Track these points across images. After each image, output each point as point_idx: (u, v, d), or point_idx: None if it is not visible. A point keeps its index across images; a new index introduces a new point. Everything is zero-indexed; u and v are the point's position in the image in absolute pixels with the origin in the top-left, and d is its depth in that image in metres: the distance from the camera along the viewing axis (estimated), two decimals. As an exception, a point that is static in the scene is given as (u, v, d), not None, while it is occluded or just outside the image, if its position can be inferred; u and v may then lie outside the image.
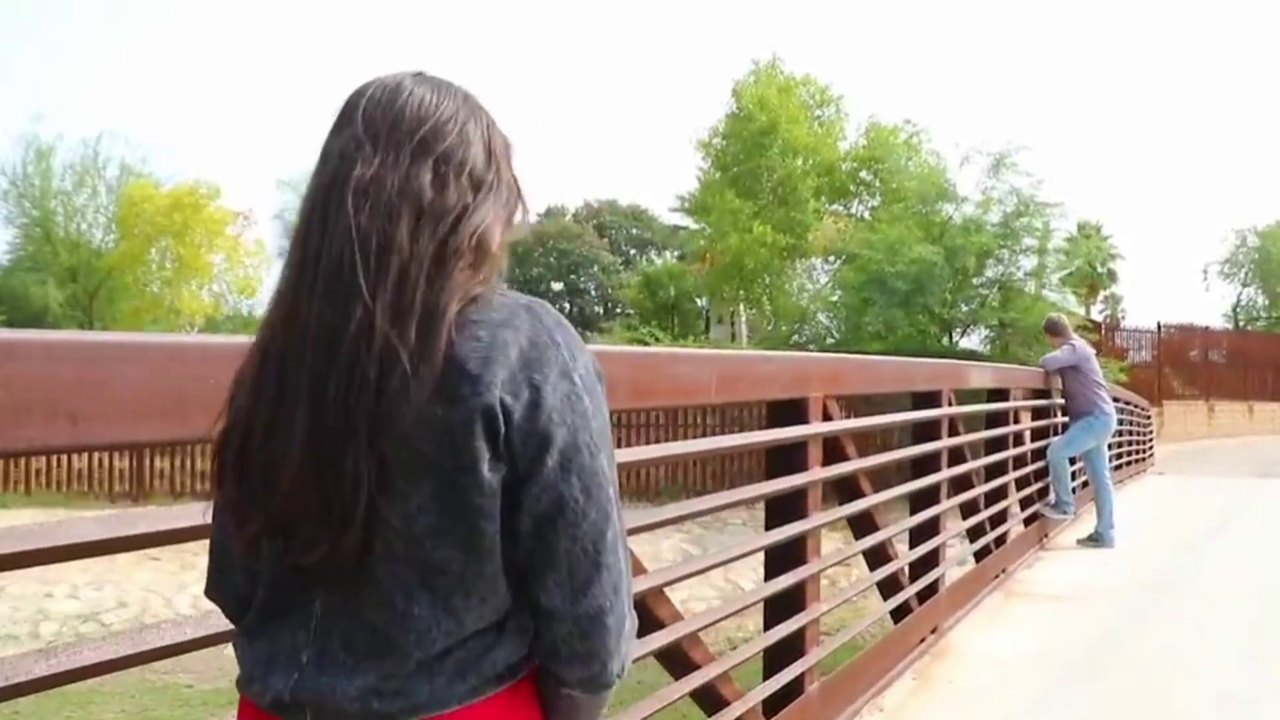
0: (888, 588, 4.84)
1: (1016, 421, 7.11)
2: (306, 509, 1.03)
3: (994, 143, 18.86)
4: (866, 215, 23.15)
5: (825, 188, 24.26)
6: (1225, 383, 32.34)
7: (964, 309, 17.90)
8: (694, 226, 28.21)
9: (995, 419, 6.79)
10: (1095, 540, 7.97)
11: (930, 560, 5.29)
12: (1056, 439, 8.09)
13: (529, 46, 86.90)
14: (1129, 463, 15.00)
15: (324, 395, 1.01)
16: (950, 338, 17.65)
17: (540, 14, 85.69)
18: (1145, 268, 70.75)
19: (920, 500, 5.28)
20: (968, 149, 18.85)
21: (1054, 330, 8.30)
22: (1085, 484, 8.70)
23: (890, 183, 20.18)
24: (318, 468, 1.02)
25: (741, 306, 26.76)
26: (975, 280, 17.94)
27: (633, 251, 48.97)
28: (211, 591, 1.18)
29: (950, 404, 5.53)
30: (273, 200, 40.36)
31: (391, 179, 1.05)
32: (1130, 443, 15.33)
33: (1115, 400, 13.45)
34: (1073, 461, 8.28)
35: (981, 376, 6.92)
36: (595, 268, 51.96)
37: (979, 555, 6.25)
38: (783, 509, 3.75)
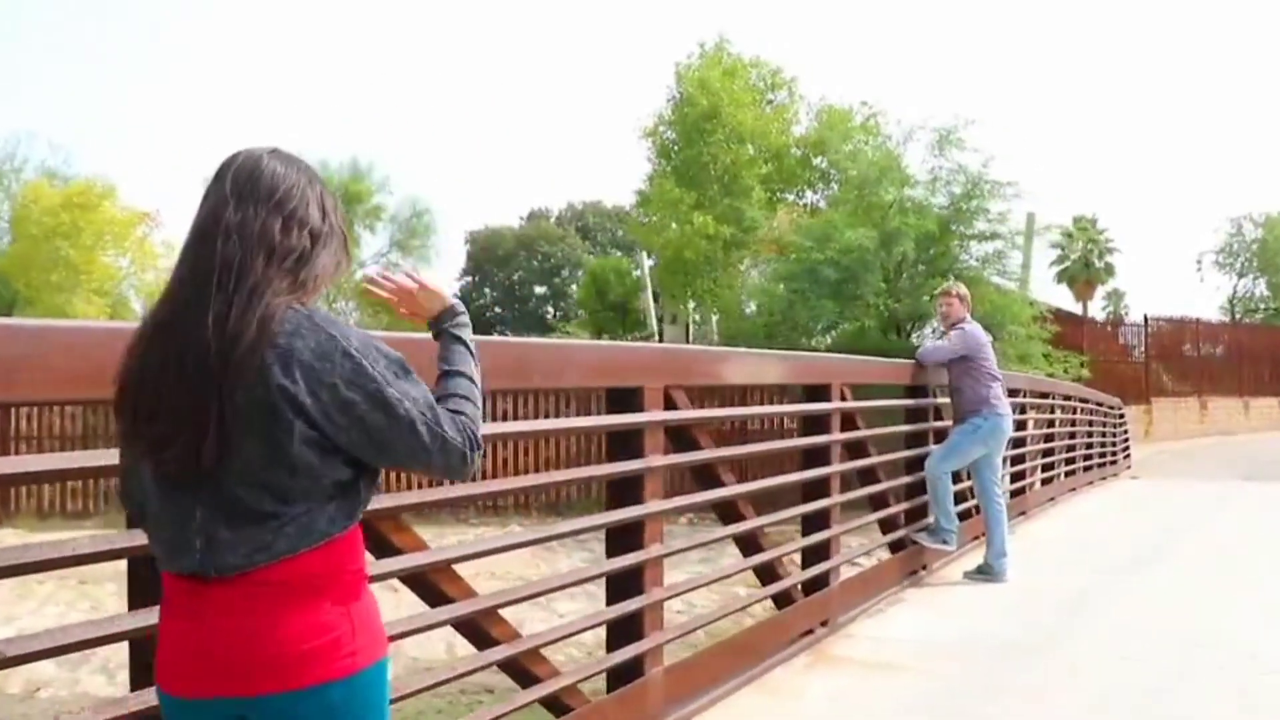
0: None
1: (850, 427, 6.26)
2: (174, 439, 1.74)
3: (939, 118, 18.97)
4: (823, 205, 23.66)
5: (774, 176, 24.78)
6: (1219, 378, 33.12)
7: (906, 301, 18.09)
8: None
9: (811, 424, 5.97)
10: (984, 572, 7.41)
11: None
12: (936, 448, 7.46)
13: (515, 49, 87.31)
14: (1093, 466, 15.60)
15: (186, 363, 1.72)
16: (898, 333, 17.95)
17: (525, 15, 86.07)
18: (1141, 260, 72.24)
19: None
20: (910, 125, 19.23)
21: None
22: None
23: (843, 169, 20.60)
24: (181, 412, 1.73)
25: (690, 304, 27.18)
26: (919, 269, 18.20)
27: (617, 253, 49.97)
28: (123, 499, 1.93)
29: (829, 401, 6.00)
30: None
31: (251, 226, 1.77)
32: (1096, 445, 15.92)
33: (1068, 398, 14.05)
34: (959, 477, 7.72)
35: (770, 370, 6.00)
36: (579, 270, 52.89)
37: (779, 602, 5.48)
38: (621, 493, 4.24)
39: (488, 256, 61.83)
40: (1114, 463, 17.63)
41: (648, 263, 30.43)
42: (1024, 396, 10.99)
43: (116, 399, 1.81)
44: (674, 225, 24.52)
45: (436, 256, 34.48)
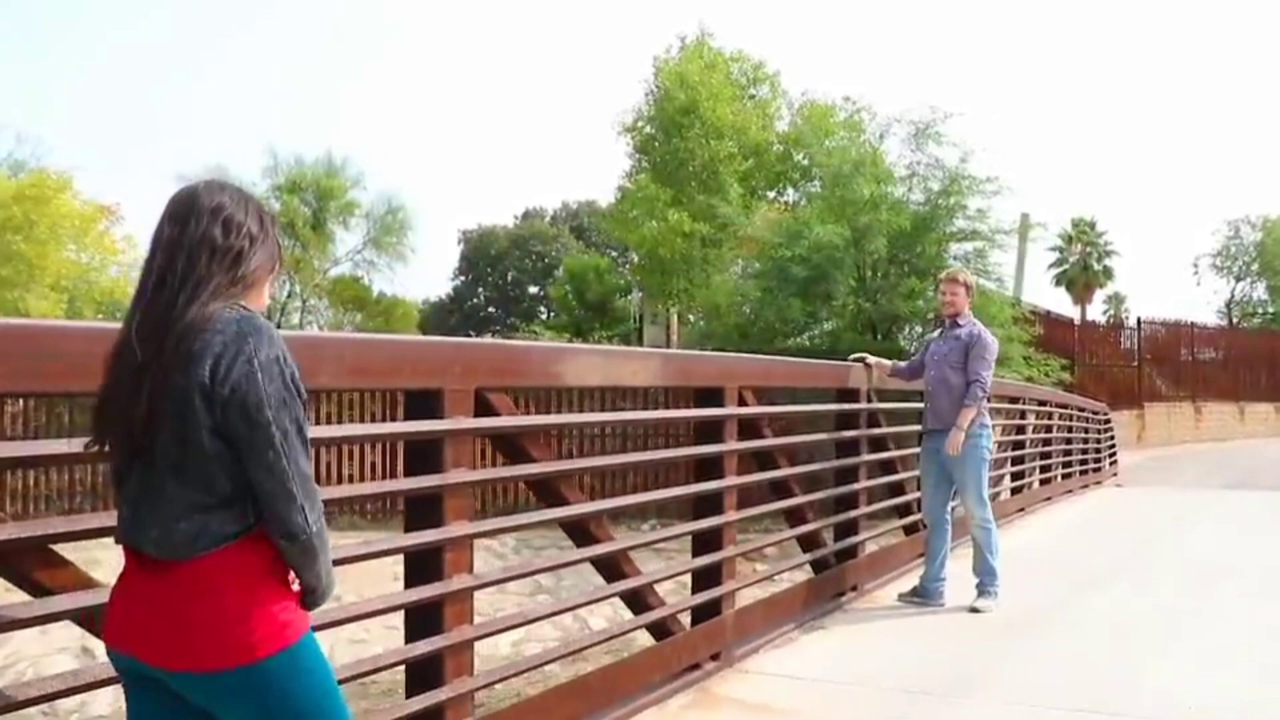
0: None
1: (752, 435, 5.56)
2: (116, 420, 1.98)
3: (916, 111, 18.16)
4: (805, 203, 22.90)
5: (754, 173, 24.03)
6: (1214, 383, 32.43)
7: (882, 301, 17.27)
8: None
9: (705, 432, 5.26)
10: (919, 595, 6.74)
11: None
12: (968, 490, 6.63)
13: (510, 47, 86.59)
14: (1073, 474, 14.92)
15: (132, 355, 1.94)
16: (875, 335, 17.14)
17: (521, 12, 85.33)
18: (1140, 264, 71.40)
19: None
20: (887, 119, 18.48)
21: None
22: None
23: (819, 165, 19.83)
24: (124, 399, 1.95)
25: (669, 304, 26.42)
26: (894, 268, 17.42)
27: (612, 253, 49.42)
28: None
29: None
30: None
31: (193, 234, 2.00)
32: (1077, 452, 15.24)
33: (1043, 403, 13.33)
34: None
35: (632, 370, 4.82)
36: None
37: (656, 633, 4.76)
38: (420, 513, 3.54)
39: (481, 255, 61.26)
40: (1098, 469, 16.99)
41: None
42: (989, 401, 10.25)
43: (100, 395, 2.04)
44: (651, 222, 23.78)
45: (412, 254, 33.90)
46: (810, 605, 6.24)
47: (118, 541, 2.09)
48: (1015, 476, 12.06)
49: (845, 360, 7.12)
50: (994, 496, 11.08)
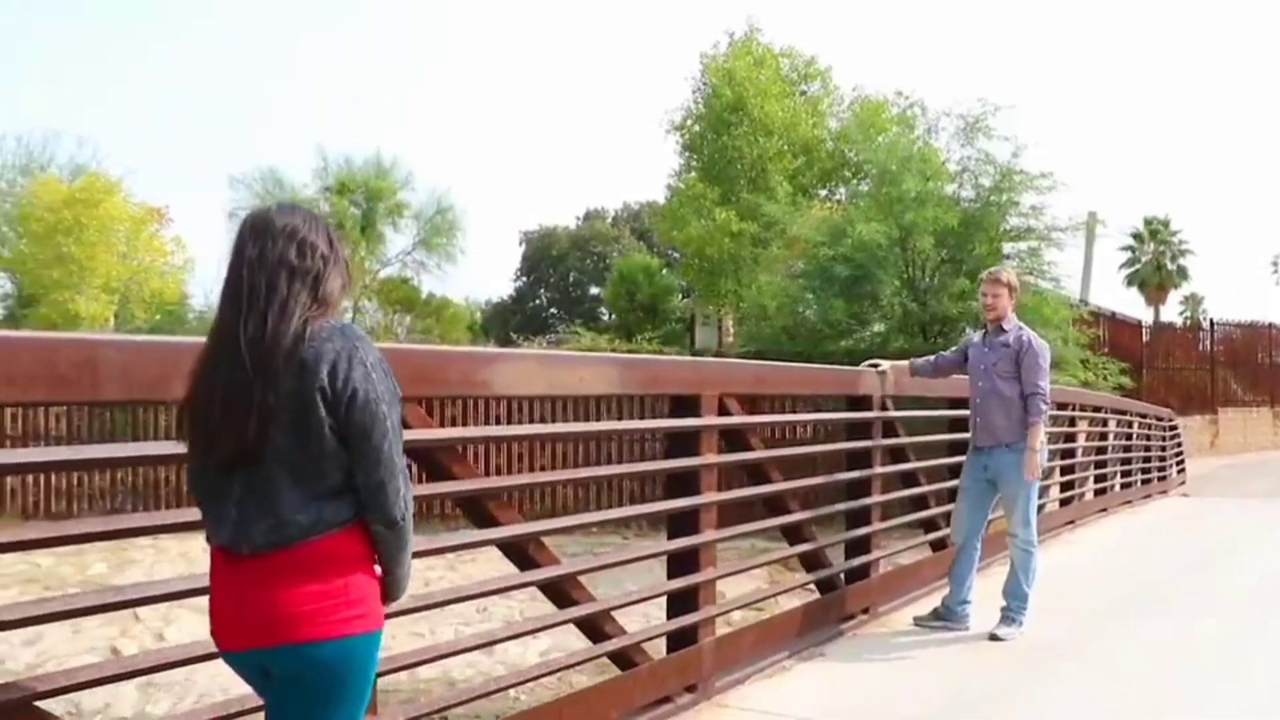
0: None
1: (739, 446, 5.14)
2: (223, 429, 2.16)
3: (965, 104, 17.30)
4: (851, 201, 22.19)
5: (804, 171, 23.38)
6: (1296, 387, 31.07)
7: (931, 303, 16.50)
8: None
9: (678, 442, 4.81)
10: (941, 618, 6.20)
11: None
12: (1015, 513, 6.06)
13: (572, 48, 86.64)
14: (1132, 484, 14.11)
15: (233, 369, 2.15)
16: (925, 338, 16.38)
17: (582, 12, 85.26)
18: (1217, 264, 68.93)
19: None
20: (936, 113, 17.72)
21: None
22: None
23: (867, 162, 19.13)
24: (232, 409, 2.15)
25: (720, 305, 25.83)
26: (943, 268, 16.65)
27: (674, 254, 48.94)
28: (189, 488, 2.30)
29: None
30: (224, 198, 40.68)
31: (270, 255, 2.19)
32: (1137, 460, 14.43)
33: (1098, 409, 12.59)
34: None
35: (540, 378, 3.98)
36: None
37: (619, 662, 4.34)
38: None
39: (542, 256, 61.15)
40: (1162, 478, 16.13)
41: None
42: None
43: (183, 407, 2.24)
44: (697, 221, 23.24)
45: (461, 255, 33.70)
46: (810, 630, 5.72)
47: (210, 541, 2.27)
48: (1065, 487, 11.38)
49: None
50: (1041, 509, 10.51)
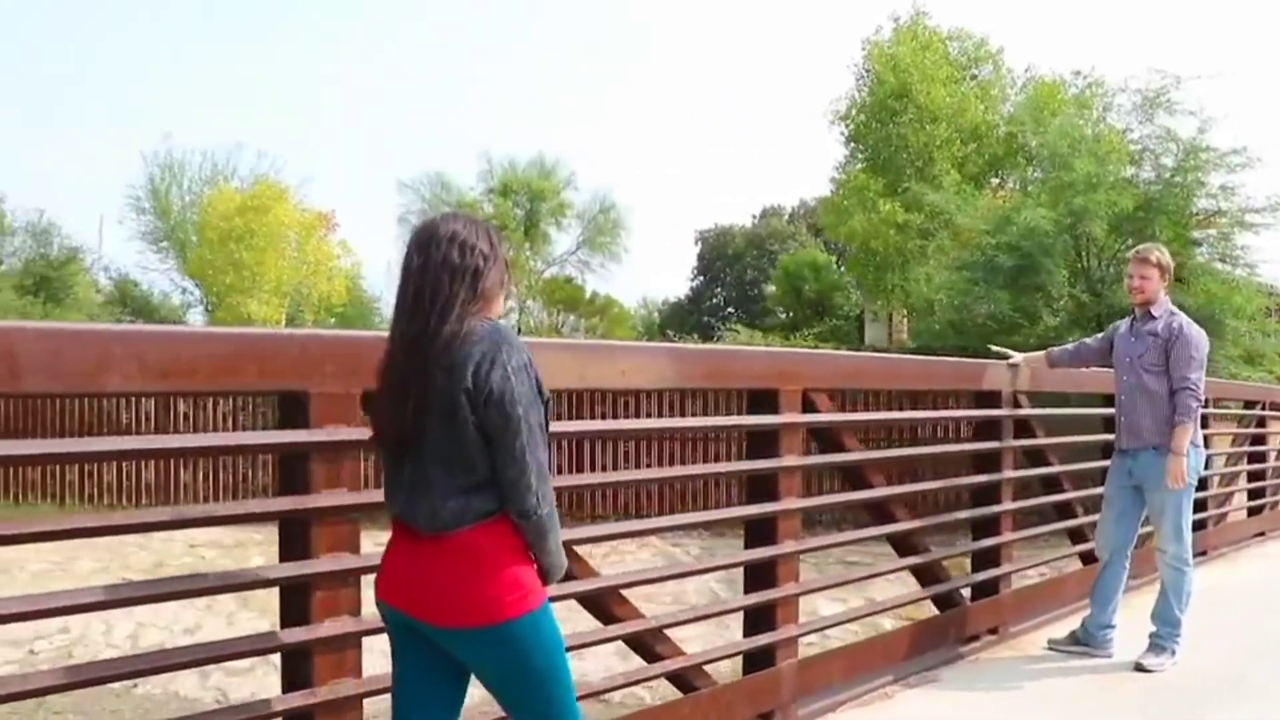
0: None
1: (833, 445, 4.66)
2: (388, 419, 2.40)
3: (1142, 77, 15.82)
4: (1018, 188, 20.83)
5: (974, 158, 22.15)
6: None
7: (1106, 294, 15.12)
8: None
9: (756, 442, 4.32)
10: (1080, 643, 5.54)
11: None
12: (1163, 526, 5.34)
13: (744, 42, 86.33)
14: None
15: (400, 367, 2.36)
16: (1100, 331, 15.00)
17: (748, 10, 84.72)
18: None
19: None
20: (1110, 89, 16.31)
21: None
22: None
23: (1042, 146, 17.84)
24: (394, 402, 2.37)
25: (888, 300, 24.79)
26: (1119, 255, 15.25)
27: (852, 249, 47.90)
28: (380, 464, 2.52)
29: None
30: (393, 203, 42.13)
31: (435, 259, 2.36)
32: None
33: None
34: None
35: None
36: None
37: (680, 685, 3.91)
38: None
39: (718, 255, 60.76)
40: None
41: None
42: (1209, 405, 8.63)
43: (372, 399, 2.51)
44: (861, 214, 22.37)
45: (625, 253, 33.67)
46: (919, 652, 5.12)
47: (391, 516, 2.47)
48: (1254, 495, 10.21)
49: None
50: (1221, 519, 9.44)
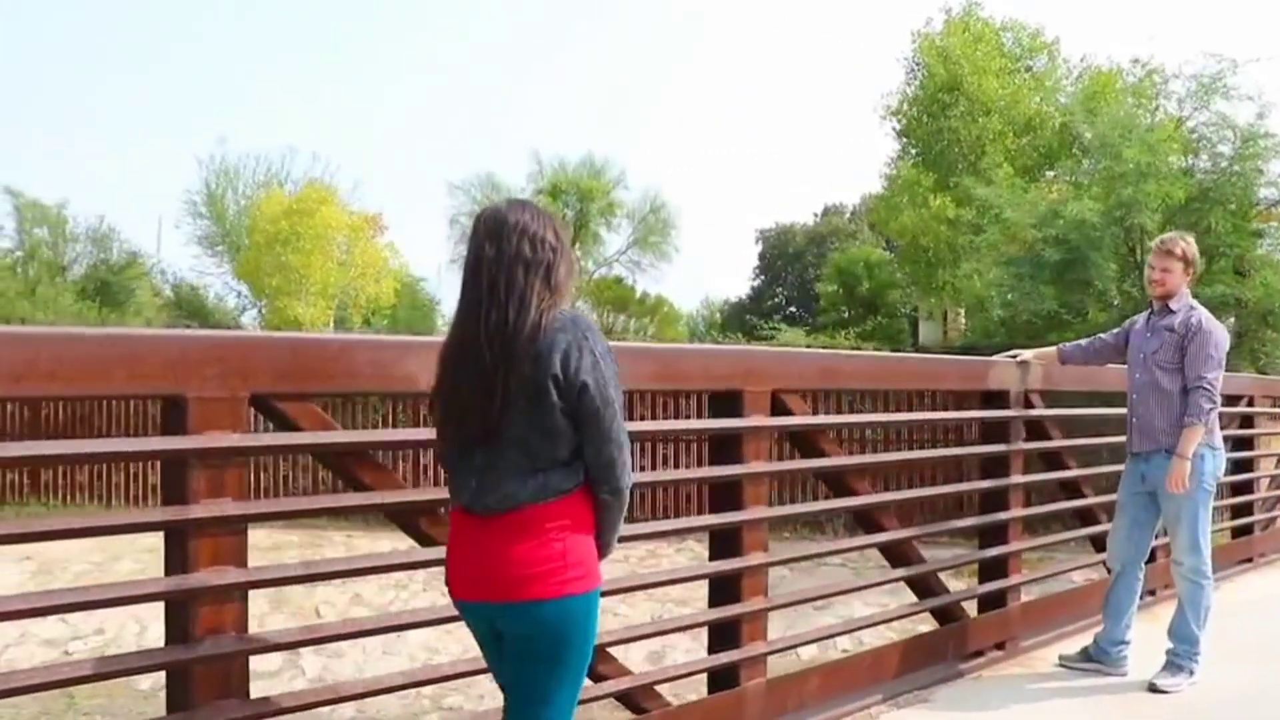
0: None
1: (811, 450, 4.42)
2: (471, 410, 2.41)
3: (1196, 62, 15.13)
4: (1070, 179, 20.14)
5: (1027, 150, 21.51)
6: None
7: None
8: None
9: (719, 447, 4.14)
10: (1093, 660, 5.19)
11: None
12: (1179, 534, 4.98)
13: (795, 42, 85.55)
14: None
15: (479, 356, 2.38)
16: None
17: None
18: None
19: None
20: (1164, 75, 15.63)
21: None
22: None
23: (1099, 137, 17.19)
24: (478, 392, 2.39)
25: (940, 297, 24.17)
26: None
27: (903, 245, 47.10)
28: (440, 460, 2.57)
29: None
30: (444, 204, 42.37)
31: (508, 251, 2.40)
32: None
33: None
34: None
35: None
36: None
37: (631, 707, 3.68)
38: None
39: (779, 254, 60.19)
40: None
41: None
42: (1244, 404, 8.18)
43: (433, 391, 2.53)
44: (911, 209, 21.86)
45: (675, 253, 33.43)
46: (913, 669, 4.82)
47: (453, 507, 2.53)
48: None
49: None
50: (1271, 523, 8.93)
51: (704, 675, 4.04)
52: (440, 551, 3.17)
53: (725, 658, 3.94)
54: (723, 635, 4.00)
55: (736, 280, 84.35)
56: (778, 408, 4.12)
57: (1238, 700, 4.78)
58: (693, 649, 5.02)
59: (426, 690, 11.27)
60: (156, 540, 2.71)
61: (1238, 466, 8.38)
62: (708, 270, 77.39)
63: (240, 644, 2.74)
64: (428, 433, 2.85)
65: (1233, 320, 15.43)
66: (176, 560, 2.69)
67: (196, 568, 2.68)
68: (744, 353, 4.44)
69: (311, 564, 2.98)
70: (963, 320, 26.35)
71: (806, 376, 4.46)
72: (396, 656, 11.35)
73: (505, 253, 2.38)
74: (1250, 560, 8.25)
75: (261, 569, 2.84)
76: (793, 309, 60.05)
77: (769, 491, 4.12)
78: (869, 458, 4.77)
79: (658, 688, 3.75)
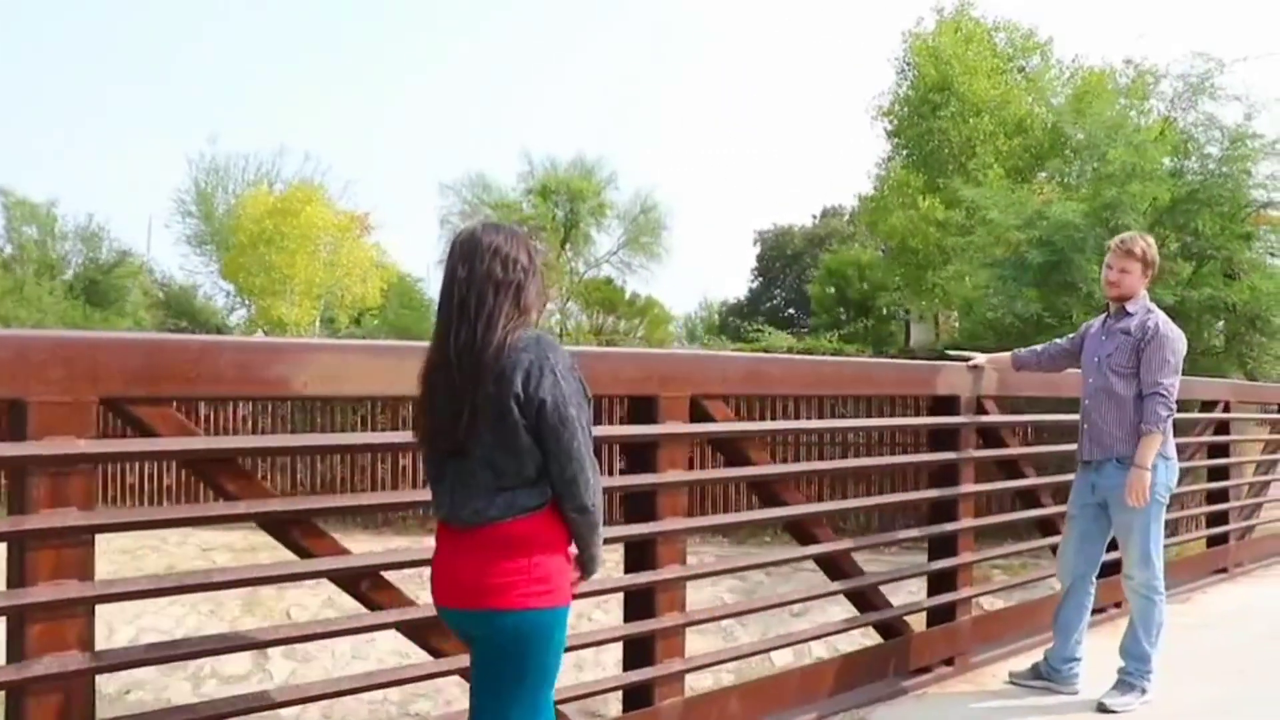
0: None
1: (739, 458, 4.28)
2: (442, 427, 2.52)
3: (1183, 62, 15.09)
4: (1057, 180, 19.96)
5: (1018, 151, 21.32)
6: None
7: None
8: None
9: (632, 456, 4.01)
10: (1042, 677, 5.05)
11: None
12: (1130, 548, 4.83)
13: (793, 40, 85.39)
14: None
15: (450, 375, 2.48)
16: None
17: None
18: None
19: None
20: (1152, 76, 15.46)
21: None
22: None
23: (1089, 139, 17.02)
24: (447, 411, 2.49)
25: (930, 300, 23.98)
26: (1160, 251, 14.43)
27: (892, 247, 46.85)
28: (425, 473, 2.67)
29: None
30: (435, 205, 42.33)
31: (479, 271, 2.49)
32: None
33: None
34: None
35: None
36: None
37: None
38: None
39: (777, 256, 60.02)
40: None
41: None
42: (1219, 410, 8.03)
43: (414, 408, 2.61)
44: (901, 211, 21.69)
45: (665, 254, 33.29)
46: (849, 687, 4.67)
47: (436, 517, 2.63)
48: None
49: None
50: (1247, 533, 8.77)
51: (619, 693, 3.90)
52: (326, 563, 3.05)
53: (639, 675, 3.79)
54: (637, 651, 3.85)
55: (736, 282, 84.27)
56: (698, 414, 3.97)
57: (1201, 717, 4.62)
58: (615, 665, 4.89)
59: (394, 694, 11.18)
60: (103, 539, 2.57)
61: (1212, 474, 8.25)
62: (707, 272, 77.18)
63: (85, 662, 2.59)
64: (312, 439, 2.69)
65: (1221, 324, 15.27)
66: (14, 574, 2.55)
67: (35, 581, 2.53)
68: (659, 356, 4.31)
69: (161, 578, 2.81)
70: (955, 323, 26.18)
71: (730, 381, 4.30)
72: (365, 661, 11.24)
73: (477, 272, 2.47)
74: (1225, 570, 8.10)
75: (109, 582, 2.70)
76: (790, 311, 59.92)
77: (688, 502, 3.97)
78: (800, 465, 4.60)
79: (564, 707, 3.59)
